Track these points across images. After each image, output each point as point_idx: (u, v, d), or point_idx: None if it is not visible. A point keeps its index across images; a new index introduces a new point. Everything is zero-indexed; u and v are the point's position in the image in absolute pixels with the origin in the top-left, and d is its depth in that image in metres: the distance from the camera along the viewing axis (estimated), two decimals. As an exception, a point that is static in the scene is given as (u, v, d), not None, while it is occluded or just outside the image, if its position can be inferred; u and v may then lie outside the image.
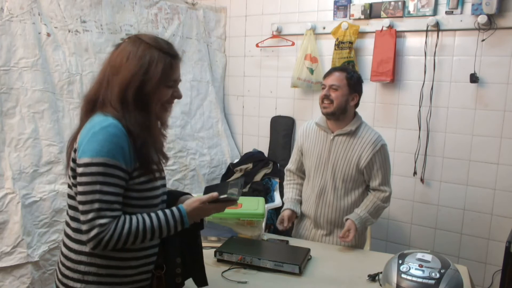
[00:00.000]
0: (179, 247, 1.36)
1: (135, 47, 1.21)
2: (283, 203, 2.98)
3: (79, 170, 1.15)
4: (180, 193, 1.46)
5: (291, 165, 2.35)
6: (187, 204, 1.26)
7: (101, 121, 1.17)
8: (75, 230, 1.23)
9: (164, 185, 1.34)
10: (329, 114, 2.08)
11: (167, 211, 1.23)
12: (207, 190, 1.34)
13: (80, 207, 1.15)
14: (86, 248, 1.21)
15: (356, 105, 2.14)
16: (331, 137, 2.12)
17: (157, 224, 1.19)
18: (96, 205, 1.12)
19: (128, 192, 1.20)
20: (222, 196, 1.28)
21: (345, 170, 2.09)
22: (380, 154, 2.07)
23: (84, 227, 1.14)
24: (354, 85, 2.09)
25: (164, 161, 1.35)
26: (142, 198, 1.23)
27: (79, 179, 1.15)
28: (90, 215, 1.13)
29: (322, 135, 2.17)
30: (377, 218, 2.14)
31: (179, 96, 1.30)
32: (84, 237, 1.15)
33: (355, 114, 2.15)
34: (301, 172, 2.32)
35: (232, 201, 1.30)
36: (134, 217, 1.18)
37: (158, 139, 1.28)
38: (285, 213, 2.20)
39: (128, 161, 1.17)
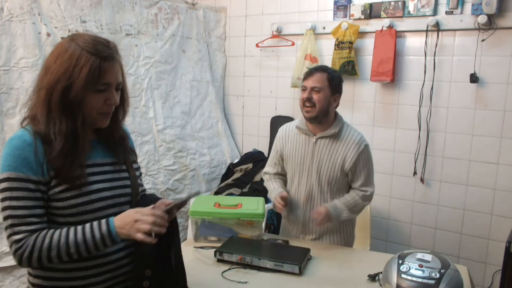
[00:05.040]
0: (151, 257, 1.23)
1: (65, 47, 1.14)
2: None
3: None
4: (155, 199, 1.30)
5: (270, 168, 2.25)
6: (121, 215, 1.14)
7: (11, 136, 1.14)
8: None
9: (107, 189, 1.22)
10: (312, 118, 2.02)
11: (95, 222, 1.13)
12: None
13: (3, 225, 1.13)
14: None
15: (337, 106, 2.08)
16: (314, 140, 2.06)
17: (81, 237, 1.10)
18: (9, 221, 1.10)
19: (51, 203, 1.14)
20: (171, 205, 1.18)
21: (330, 173, 2.04)
22: (364, 154, 2.04)
23: (8, 246, 1.12)
24: (336, 85, 2.03)
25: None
26: (70, 206, 1.14)
27: None
28: (7, 232, 1.11)
29: (304, 139, 2.10)
30: (355, 214, 2.09)
31: (114, 103, 1.18)
32: None
33: (336, 114, 2.10)
34: (281, 175, 2.25)
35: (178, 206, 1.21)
36: (57, 231, 1.11)
37: (83, 150, 1.17)
38: (281, 193, 2.06)
39: (38, 171, 1.11)
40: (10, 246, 1.10)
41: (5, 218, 1.10)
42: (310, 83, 2.01)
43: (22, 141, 1.11)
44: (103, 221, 1.13)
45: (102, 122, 1.21)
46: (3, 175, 1.10)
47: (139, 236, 1.09)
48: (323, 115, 2.01)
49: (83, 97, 1.13)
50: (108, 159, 1.26)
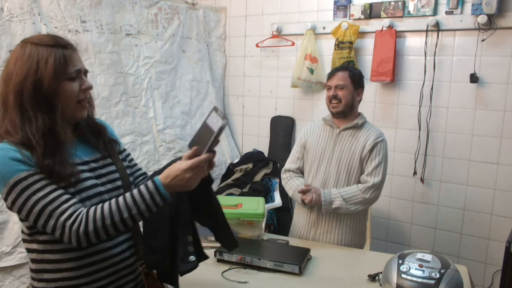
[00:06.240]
0: (189, 223, 1.31)
1: (22, 51, 1.12)
2: (283, 203, 3.01)
3: (7, 204, 1.09)
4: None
5: (291, 164, 2.30)
6: (166, 172, 1.12)
7: None
8: (27, 250, 1.21)
9: (100, 184, 1.22)
10: (339, 113, 2.15)
11: (141, 185, 1.12)
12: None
13: (39, 227, 1.09)
14: (33, 265, 1.18)
15: (360, 100, 2.21)
16: (337, 132, 2.18)
17: (131, 200, 1.09)
18: (48, 211, 1.06)
19: None
20: (205, 151, 1.12)
21: (349, 161, 2.13)
22: (380, 145, 2.12)
23: (58, 235, 1.08)
24: (358, 81, 2.18)
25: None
26: None
27: (14, 210, 1.09)
28: (52, 222, 1.07)
29: (328, 130, 2.22)
30: (351, 206, 2.07)
31: (88, 88, 1.18)
32: (66, 243, 1.09)
33: (359, 113, 2.22)
34: (301, 171, 2.30)
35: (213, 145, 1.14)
36: (105, 202, 1.11)
37: (67, 145, 1.15)
38: (303, 186, 2.11)
39: (35, 166, 1.08)
40: (62, 229, 1.06)
41: (41, 212, 1.06)
42: (334, 81, 2.16)
43: (4, 150, 1.08)
44: (149, 181, 1.12)
45: (81, 111, 1.19)
46: (10, 183, 1.06)
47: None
48: (348, 109, 2.16)
49: (56, 88, 1.12)
50: (92, 156, 1.25)
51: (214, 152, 1.14)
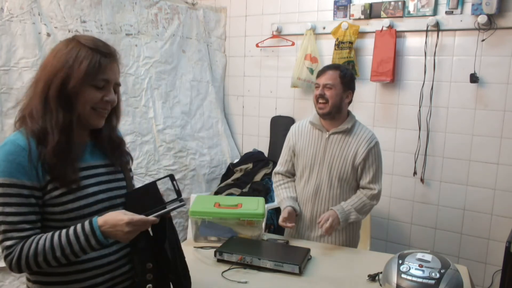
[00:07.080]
0: (151, 251, 1.27)
1: (66, 46, 1.16)
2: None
3: None
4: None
5: (280, 167, 2.28)
6: (106, 217, 1.11)
7: (4, 141, 1.12)
8: None
9: (104, 191, 1.22)
10: (325, 114, 2.07)
11: (79, 224, 1.11)
12: (130, 197, 1.26)
13: None
14: None
15: (349, 102, 2.14)
16: (327, 136, 2.12)
17: (65, 240, 1.09)
18: (1, 228, 1.09)
19: (48, 208, 1.13)
20: (154, 215, 1.17)
21: (341, 167, 2.08)
22: (374, 150, 2.08)
23: None
24: (348, 82, 2.09)
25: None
26: (67, 210, 1.14)
27: None
28: None
29: (317, 134, 2.15)
30: (363, 215, 2.10)
31: (110, 100, 1.18)
32: None
33: (349, 112, 2.16)
34: (290, 174, 2.28)
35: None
36: (44, 235, 1.10)
37: (76, 150, 1.17)
38: (287, 210, 2.10)
39: (33, 176, 1.10)
40: (2, 251, 1.10)
41: None
42: (322, 80, 2.08)
43: (15, 146, 1.10)
44: (86, 222, 1.11)
45: (97, 120, 1.20)
46: None
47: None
48: (336, 110, 2.07)
49: (80, 90, 1.13)
50: (102, 161, 1.26)
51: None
